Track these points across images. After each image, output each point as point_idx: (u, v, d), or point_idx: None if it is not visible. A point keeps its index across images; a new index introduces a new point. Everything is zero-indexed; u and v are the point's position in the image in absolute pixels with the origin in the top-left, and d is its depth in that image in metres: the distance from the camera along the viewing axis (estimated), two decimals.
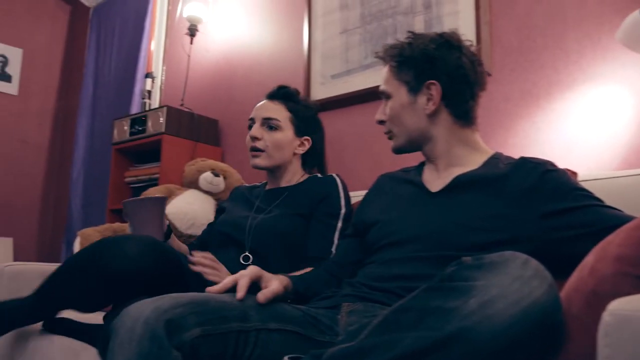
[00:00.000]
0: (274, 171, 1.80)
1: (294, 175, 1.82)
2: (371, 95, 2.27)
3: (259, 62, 2.96)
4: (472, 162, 1.29)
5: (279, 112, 1.77)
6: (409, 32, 1.37)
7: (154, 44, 3.68)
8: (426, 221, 1.22)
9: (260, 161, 1.76)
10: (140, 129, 2.99)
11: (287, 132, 1.77)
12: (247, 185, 2.00)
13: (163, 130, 2.85)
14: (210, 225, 1.95)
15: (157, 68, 3.63)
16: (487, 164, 1.27)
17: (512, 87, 1.97)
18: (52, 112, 4.47)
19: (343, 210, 1.67)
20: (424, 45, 1.30)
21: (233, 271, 1.55)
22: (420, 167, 1.42)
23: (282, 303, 1.12)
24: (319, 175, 1.83)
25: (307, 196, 1.70)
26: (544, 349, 0.78)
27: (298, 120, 1.79)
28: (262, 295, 1.07)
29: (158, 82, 3.59)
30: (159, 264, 1.37)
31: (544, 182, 1.16)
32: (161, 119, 2.87)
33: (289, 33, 2.83)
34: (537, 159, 1.24)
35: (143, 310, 0.88)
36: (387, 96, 1.36)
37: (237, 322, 0.97)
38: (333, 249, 1.59)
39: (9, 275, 2.19)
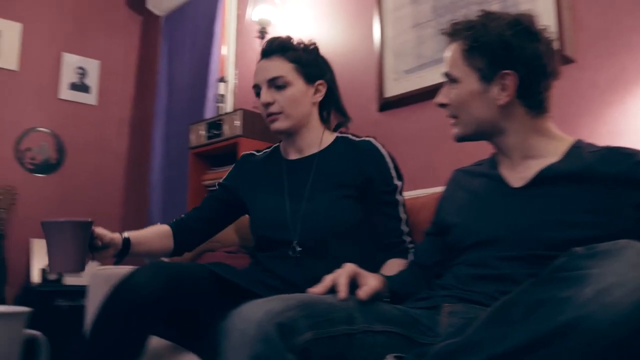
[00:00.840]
0: (297, 130, 1.63)
1: (317, 133, 1.66)
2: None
3: (329, 61, 2.96)
4: (552, 152, 1.22)
5: (281, 67, 1.59)
6: (482, 10, 1.26)
7: (225, 49, 3.74)
8: (513, 219, 1.17)
9: (281, 124, 1.59)
10: (216, 132, 3.05)
11: (298, 85, 1.60)
12: (256, 153, 1.80)
13: (239, 133, 2.89)
14: (200, 209, 1.77)
15: (230, 72, 3.69)
16: (569, 154, 1.21)
17: (598, 72, 1.89)
18: (129, 120, 4.63)
19: (399, 183, 1.57)
20: (500, 29, 1.19)
21: (285, 271, 1.50)
22: (493, 159, 1.35)
23: (382, 303, 1.12)
24: (351, 136, 1.65)
25: (348, 169, 1.56)
26: None
27: (304, 67, 1.62)
28: (363, 293, 1.06)
29: (231, 86, 3.65)
30: (172, 286, 1.29)
31: (636, 172, 1.11)
32: (237, 122, 2.92)
33: (359, 30, 2.82)
34: (626, 148, 1.18)
35: (255, 312, 0.89)
36: (453, 80, 1.27)
37: (344, 325, 0.97)
38: (402, 227, 1.54)
39: (102, 278, 2.28)
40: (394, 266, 1.48)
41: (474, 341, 0.79)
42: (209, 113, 3.59)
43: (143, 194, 4.34)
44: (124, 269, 2.41)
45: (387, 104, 2.58)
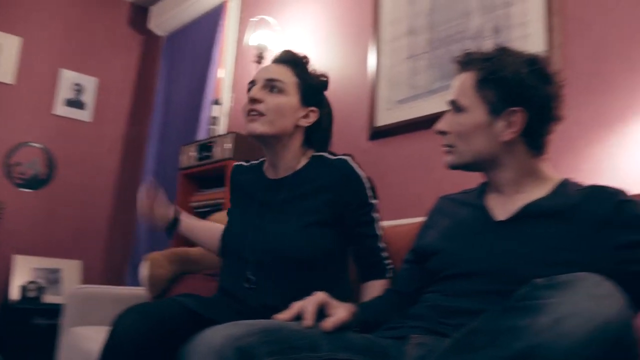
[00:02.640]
0: (273, 145, 1.56)
1: (295, 156, 1.59)
2: (438, 120, 2.23)
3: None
4: (539, 190, 1.22)
5: (285, 75, 1.56)
6: (498, 45, 1.26)
7: (223, 72, 3.77)
8: (493, 253, 1.16)
9: (258, 126, 1.51)
10: (207, 154, 3.05)
11: (291, 98, 1.55)
12: (245, 164, 1.75)
13: (230, 156, 2.89)
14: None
15: (226, 95, 3.70)
16: (556, 191, 1.21)
17: (583, 111, 1.90)
18: (123, 138, 4.64)
19: (375, 201, 1.55)
20: (517, 66, 1.18)
21: (236, 288, 1.49)
22: (481, 188, 1.34)
23: (349, 332, 1.10)
24: (327, 155, 1.59)
25: (321, 193, 1.51)
26: None
27: (305, 88, 1.58)
28: (328, 323, 1.04)
29: (225, 109, 3.66)
30: (153, 330, 1.30)
31: (619, 212, 1.10)
32: (228, 144, 2.92)
33: (355, 59, 2.84)
34: (610, 187, 1.17)
35: (215, 337, 0.89)
36: (459, 108, 1.25)
37: (307, 352, 0.96)
38: (380, 244, 1.54)
39: (80, 298, 2.26)
40: (373, 291, 1.49)
41: None
42: (202, 135, 3.61)
43: (131, 213, 4.32)
44: (100, 289, 2.39)
45: (378, 133, 2.58)
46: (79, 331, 2.12)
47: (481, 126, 1.22)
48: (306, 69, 1.62)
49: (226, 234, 1.63)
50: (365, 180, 1.54)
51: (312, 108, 1.59)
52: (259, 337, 0.91)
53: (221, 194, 2.95)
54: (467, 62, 1.27)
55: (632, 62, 1.82)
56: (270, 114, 1.52)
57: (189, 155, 3.20)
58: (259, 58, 3.28)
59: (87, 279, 4.14)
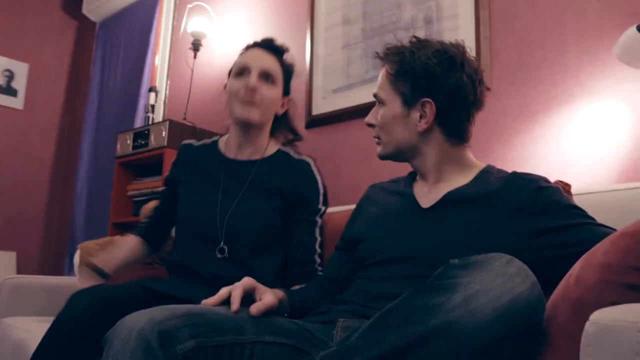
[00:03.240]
0: (251, 130, 1.64)
1: (264, 141, 1.69)
2: (372, 109, 2.27)
3: None
4: (462, 177, 1.26)
5: (276, 67, 1.65)
6: (414, 37, 1.30)
7: (159, 59, 3.72)
8: (417, 239, 1.20)
9: (254, 115, 1.59)
10: (143, 142, 3.01)
11: (278, 89, 1.66)
12: (195, 144, 1.79)
13: (165, 144, 2.86)
14: (160, 208, 1.80)
15: (162, 82, 3.66)
16: (477, 178, 1.25)
17: (510, 101, 1.97)
18: (57, 126, 4.51)
19: (323, 208, 1.64)
20: (425, 58, 1.22)
21: (206, 265, 1.54)
22: (410, 178, 1.39)
23: (277, 317, 1.12)
24: (292, 152, 1.70)
25: (282, 183, 1.61)
26: (527, 347, 0.80)
27: (286, 79, 1.70)
28: (255, 309, 1.06)
29: (162, 96, 3.61)
30: (107, 310, 1.29)
31: (537, 199, 1.14)
32: (164, 132, 2.89)
33: (291, 48, 2.82)
34: (530, 174, 1.22)
35: (137, 321, 0.88)
36: (380, 101, 1.31)
37: (233, 335, 0.97)
38: (316, 247, 1.60)
39: (10, 287, 2.21)
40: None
41: (355, 346, 0.82)
42: (139, 123, 3.55)
43: (67, 203, 4.23)
44: (32, 279, 2.34)
45: (314, 122, 2.61)
46: (9, 322, 2.08)
47: (398, 117, 1.28)
48: (286, 59, 1.71)
49: (188, 213, 1.65)
50: (320, 186, 1.64)
51: (288, 97, 1.72)
52: (182, 320, 0.91)
53: (158, 182, 2.91)
54: (383, 56, 1.32)
55: (554, 54, 1.89)
56: (264, 105, 1.60)
57: (125, 144, 3.14)
58: (196, 45, 3.25)
59: (23, 270, 4.04)
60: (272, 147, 1.70)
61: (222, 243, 1.55)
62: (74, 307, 1.32)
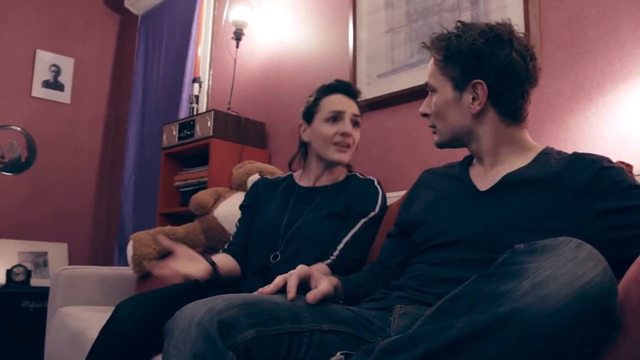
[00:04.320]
0: (336, 168, 1.82)
1: (340, 171, 1.85)
2: (417, 93, 2.24)
3: (304, 64, 2.97)
4: (520, 160, 1.24)
5: (359, 111, 1.81)
6: (459, 21, 1.28)
7: (201, 49, 3.73)
8: (475, 222, 1.18)
9: (346, 158, 1.77)
10: (188, 133, 3.04)
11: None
12: (268, 178, 1.98)
13: (211, 134, 2.88)
14: (240, 233, 1.86)
15: (205, 73, 3.67)
16: (536, 160, 1.23)
17: (563, 81, 1.91)
18: (103, 119, 4.60)
19: (374, 213, 1.70)
20: (472, 39, 1.21)
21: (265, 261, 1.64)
22: (465, 162, 1.37)
23: (333, 304, 1.11)
24: (359, 175, 1.85)
25: (347, 195, 1.74)
26: (599, 333, 0.78)
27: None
28: (311, 296, 1.06)
29: (205, 86, 3.63)
30: (154, 315, 1.39)
31: (600, 179, 1.11)
32: (209, 123, 2.91)
33: (334, 34, 2.82)
34: (592, 155, 1.18)
35: (197, 311, 0.89)
36: (432, 90, 1.31)
37: (290, 323, 0.97)
38: (344, 240, 1.64)
39: (65, 278, 2.26)
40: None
41: (418, 334, 0.80)
42: (183, 114, 3.58)
43: (115, 194, 4.31)
44: (85, 269, 2.39)
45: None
46: (66, 311, 2.12)
47: (451, 102, 1.27)
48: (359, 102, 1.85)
49: (257, 227, 1.79)
50: (380, 197, 1.74)
51: None
52: (240, 310, 0.91)
53: (204, 172, 2.94)
54: (431, 44, 1.31)
55: (608, 30, 1.83)
56: (353, 147, 1.79)
57: (171, 135, 3.18)
58: (238, 34, 3.25)
59: (74, 261, 4.13)
60: (343, 175, 1.85)
61: (279, 250, 1.67)
62: (120, 317, 1.41)
